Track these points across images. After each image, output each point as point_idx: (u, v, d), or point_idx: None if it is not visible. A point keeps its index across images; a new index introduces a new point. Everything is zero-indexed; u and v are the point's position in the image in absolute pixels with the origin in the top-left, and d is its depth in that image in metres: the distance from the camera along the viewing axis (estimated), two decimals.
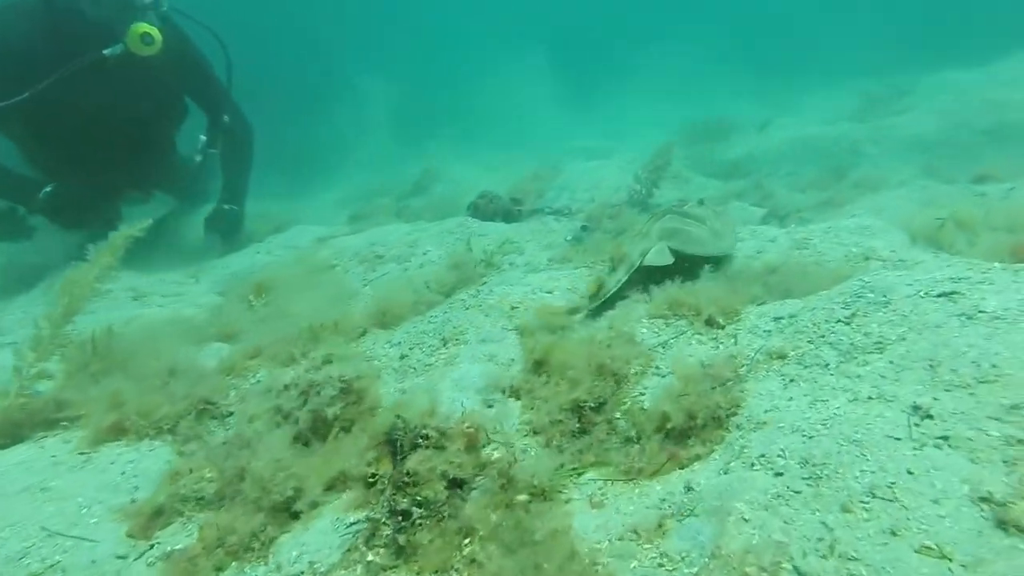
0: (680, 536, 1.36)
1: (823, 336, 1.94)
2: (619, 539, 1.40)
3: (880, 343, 1.80)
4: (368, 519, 1.57)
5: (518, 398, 2.09)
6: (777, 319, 2.16)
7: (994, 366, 1.53)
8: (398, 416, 1.69)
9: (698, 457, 1.65)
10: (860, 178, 5.26)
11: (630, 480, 1.64)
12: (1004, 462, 1.29)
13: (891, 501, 1.27)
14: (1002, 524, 1.18)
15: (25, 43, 4.24)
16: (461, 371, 2.23)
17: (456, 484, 1.59)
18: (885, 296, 1.98)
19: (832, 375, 1.77)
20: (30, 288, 4.29)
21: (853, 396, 1.63)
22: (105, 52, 4.24)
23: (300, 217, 6.29)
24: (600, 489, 1.64)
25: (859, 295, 2.05)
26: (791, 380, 1.82)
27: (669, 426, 1.73)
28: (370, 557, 1.48)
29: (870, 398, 1.60)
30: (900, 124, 6.73)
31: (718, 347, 2.13)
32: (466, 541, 1.45)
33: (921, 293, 1.94)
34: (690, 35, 13.76)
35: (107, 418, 2.09)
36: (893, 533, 1.21)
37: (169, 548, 1.62)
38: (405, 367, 2.43)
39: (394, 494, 1.54)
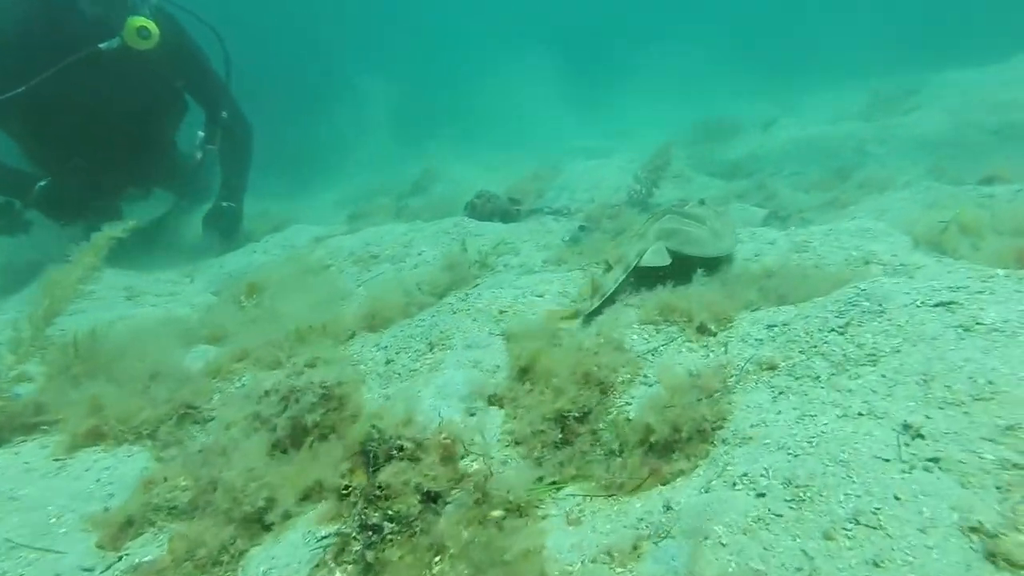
0: (655, 559, 1.30)
1: (815, 346, 1.88)
2: (592, 561, 1.35)
3: (873, 355, 1.73)
4: (338, 533, 1.52)
5: (501, 406, 2.04)
6: (770, 327, 2.10)
7: (990, 382, 1.46)
8: (373, 426, 1.64)
9: (681, 472, 1.60)
10: (865, 178, 5.13)
11: (610, 496, 1.59)
12: (997, 488, 1.23)
13: (875, 529, 1.20)
14: (991, 557, 1.11)
15: (21, 38, 4.22)
16: (445, 377, 2.18)
17: (430, 498, 1.54)
18: (881, 305, 1.92)
19: (823, 388, 1.70)
20: (27, 286, 4.27)
21: (843, 412, 1.57)
22: (101, 46, 4.22)
23: (299, 217, 6.25)
24: (578, 505, 1.58)
25: (854, 303, 1.99)
26: (780, 392, 1.75)
27: (653, 439, 1.67)
28: (338, 574, 1.43)
29: (860, 414, 1.53)
30: (907, 123, 6.61)
31: (708, 356, 2.07)
32: (436, 559, 1.40)
33: (918, 302, 1.87)
34: (691, 35, 13.70)
35: (85, 423, 2.05)
36: (876, 564, 1.15)
37: (137, 560, 1.59)
38: (390, 372, 2.38)
39: (365, 508, 1.50)
